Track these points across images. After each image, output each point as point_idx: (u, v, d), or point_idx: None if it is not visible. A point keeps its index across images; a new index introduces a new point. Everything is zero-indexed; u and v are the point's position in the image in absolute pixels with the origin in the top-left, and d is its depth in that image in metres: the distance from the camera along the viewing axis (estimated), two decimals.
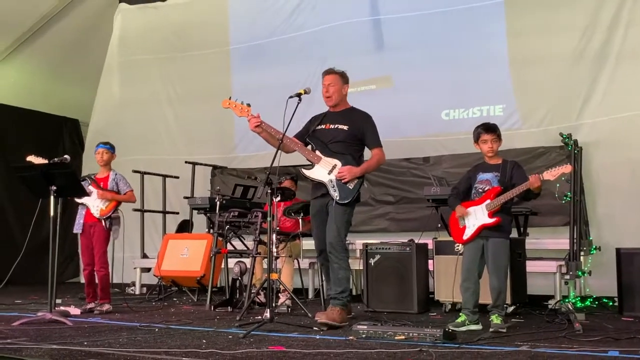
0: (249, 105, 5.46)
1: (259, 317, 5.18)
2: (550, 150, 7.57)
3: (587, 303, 6.50)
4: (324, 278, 6.00)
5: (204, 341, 4.36)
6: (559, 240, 7.04)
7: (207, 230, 8.27)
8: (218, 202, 7.02)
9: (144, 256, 9.05)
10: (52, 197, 5.52)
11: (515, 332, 4.85)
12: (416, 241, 6.37)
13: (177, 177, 9.63)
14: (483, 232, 4.97)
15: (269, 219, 5.28)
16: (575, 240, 6.38)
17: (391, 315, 5.84)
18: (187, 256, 7.64)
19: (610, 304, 6.53)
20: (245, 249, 7.06)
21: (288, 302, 6.21)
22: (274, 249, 5.38)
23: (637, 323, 5.42)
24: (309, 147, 5.45)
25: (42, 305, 6.45)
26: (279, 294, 6.24)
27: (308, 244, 6.77)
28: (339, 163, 5.29)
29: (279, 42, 9.64)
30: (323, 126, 5.50)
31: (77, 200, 6.32)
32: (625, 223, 7.11)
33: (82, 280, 6.80)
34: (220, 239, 6.94)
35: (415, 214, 8.04)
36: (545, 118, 7.83)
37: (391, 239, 6.72)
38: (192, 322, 5.53)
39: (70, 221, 6.46)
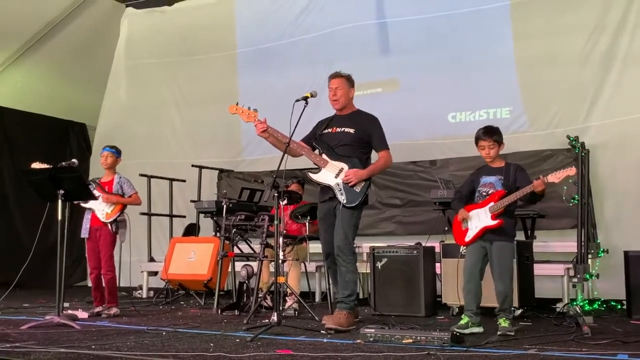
0: (255, 110, 5.45)
1: (266, 320, 5.17)
2: (558, 153, 7.55)
3: (595, 306, 6.47)
4: (331, 281, 5.99)
5: (212, 344, 4.36)
6: (567, 243, 7.01)
7: (214, 233, 8.27)
8: (225, 206, 7.02)
9: (151, 260, 9.07)
10: (59, 201, 5.53)
11: (523, 335, 4.83)
12: (423, 244, 6.36)
13: (184, 181, 9.65)
14: (487, 235, 4.95)
15: (275, 222, 5.29)
16: (582, 243, 6.36)
17: (398, 318, 5.82)
18: (194, 260, 7.65)
19: (619, 307, 6.50)
20: (252, 252, 7.06)
21: (295, 305, 6.22)
22: (281, 253, 5.38)
23: None
24: (316, 151, 5.46)
25: (50, 308, 6.48)
26: (286, 298, 6.24)
27: (315, 247, 6.76)
28: (345, 166, 5.29)
29: (285, 45, 9.65)
30: (329, 130, 5.50)
31: (83, 204, 6.34)
32: (633, 225, 7.08)
33: (90, 283, 6.81)
34: (227, 242, 6.95)
35: (422, 217, 8.03)
36: (552, 120, 7.81)
37: (398, 242, 6.71)
38: (200, 325, 5.53)
39: (77, 225, 6.47)
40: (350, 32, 9.13)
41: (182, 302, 7.72)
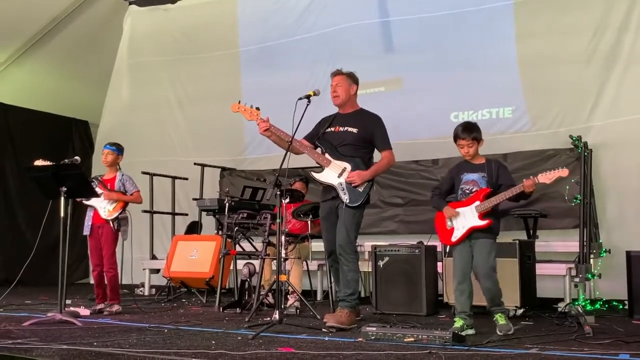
0: (258, 108, 5.45)
1: (268, 318, 5.18)
2: (560, 153, 7.54)
3: (597, 306, 6.46)
4: (333, 280, 6.00)
5: (213, 342, 4.37)
6: (569, 243, 7.00)
7: (216, 231, 8.28)
8: (227, 204, 7.03)
9: (153, 257, 9.08)
10: (62, 198, 5.54)
11: (525, 334, 4.83)
12: (425, 243, 6.36)
13: (186, 179, 9.66)
14: (472, 233, 4.89)
15: (278, 220, 5.29)
16: (585, 243, 6.34)
17: (400, 317, 5.84)
18: (196, 257, 7.66)
19: (621, 307, 6.49)
20: (254, 250, 7.07)
21: (297, 303, 6.22)
22: (283, 251, 5.39)
23: None
24: (318, 150, 5.45)
25: (52, 305, 6.47)
26: (288, 296, 6.25)
27: (317, 245, 6.78)
28: (348, 166, 5.29)
29: (288, 44, 9.65)
30: (332, 129, 5.49)
31: (85, 202, 6.35)
32: (635, 226, 7.07)
33: (92, 281, 6.82)
34: (229, 240, 6.96)
35: (424, 216, 8.01)
36: (554, 120, 7.80)
37: (400, 241, 6.71)
38: (201, 323, 5.54)
39: (80, 222, 6.49)
40: (352, 31, 9.12)
41: (184, 300, 7.73)
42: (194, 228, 8.86)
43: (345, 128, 5.44)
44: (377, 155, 5.55)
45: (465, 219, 4.91)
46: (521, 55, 8.04)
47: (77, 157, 5.96)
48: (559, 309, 6.04)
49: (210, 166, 9.67)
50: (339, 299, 5.38)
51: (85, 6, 10.56)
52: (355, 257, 5.33)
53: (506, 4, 8.17)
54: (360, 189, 5.26)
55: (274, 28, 9.82)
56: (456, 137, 5.04)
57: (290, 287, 6.04)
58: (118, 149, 6.56)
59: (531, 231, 7.01)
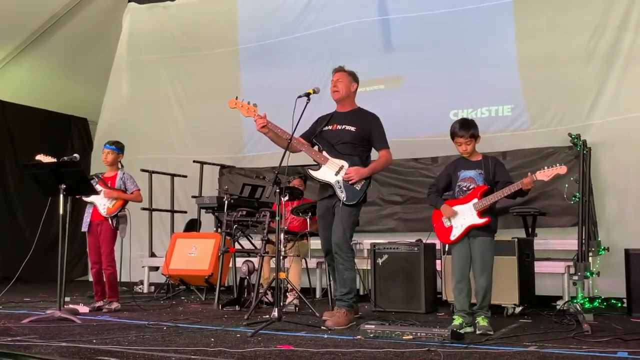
0: (255, 105, 5.45)
1: (267, 316, 5.19)
2: (559, 151, 7.55)
3: (596, 304, 6.48)
4: (331, 278, 6.00)
5: (212, 340, 4.37)
6: (567, 241, 7.02)
7: (215, 229, 8.28)
8: (226, 202, 7.04)
9: (152, 255, 9.08)
10: (61, 196, 5.54)
11: (523, 332, 4.84)
12: (424, 241, 6.36)
13: (185, 177, 9.66)
14: (471, 231, 4.88)
15: (277, 218, 5.29)
16: (583, 241, 6.37)
17: (399, 315, 5.84)
18: (195, 255, 7.66)
19: (619, 305, 6.50)
20: (253, 248, 7.07)
21: (296, 301, 6.23)
22: (282, 249, 5.39)
23: None
24: (316, 147, 5.45)
25: (51, 303, 6.47)
26: (287, 293, 6.26)
27: (316, 243, 6.76)
28: (346, 164, 5.29)
29: (287, 41, 9.65)
30: (330, 127, 5.49)
31: (85, 198, 6.35)
32: (634, 224, 7.08)
33: (91, 278, 6.83)
34: (228, 238, 6.97)
35: (423, 214, 8.00)
36: (554, 118, 7.80)
37: (399, 239, 6.71)
38: (200, 320, 5.54)
39: (79, 220, 6.49)
40: (352, 28, 9.12)
41: (182, 298, 7.74)
42: (193, 226, 8.85)
43: (343, 126, 5.43)
44: (374, 154, 5.54)
45: (464, 217, 4.90)
46: (521, 53, 8.04)
47: (76, 155, 5.94)
48: (558, 307, 6.05)
49: (209, 164, 9.67)
50: (336, 298, 5.38)
51: (84, 3, 10.56)
52: (351, 255, 5.32)
53: (505, 2, 8.18)
54: (358, 187, 5.26)
55: (274, 26, 9.82)
56: (453, 135, 5.02)
57: (289, 285, 6.05)
58: (118, 148, 6.55)
59: (530, 229, 7.02)
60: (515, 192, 4.79)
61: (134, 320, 5.51)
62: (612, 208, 7.34)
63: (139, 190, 6.56)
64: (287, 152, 5.22)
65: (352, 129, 5.41)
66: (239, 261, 6.97)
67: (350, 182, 5.23)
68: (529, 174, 4.78)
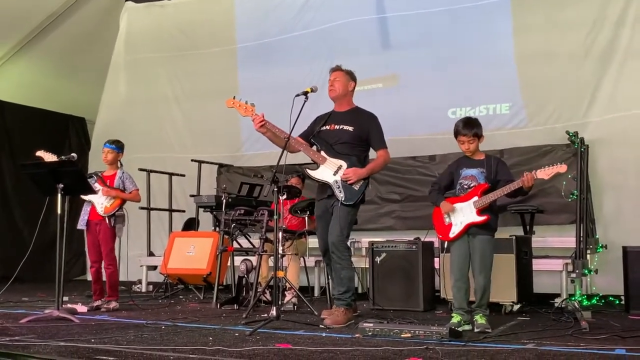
0: (253, 104, 5.44)
1: (265, 314, 5.19)
2: (557, 149, 7.56)
3: (594, 301, 6.49)
4: (330, 279, 5.99)
5: (211, 339, 4.37)
6: (565, 239, 7.03)
7: (213, 228, 8.28)
8: (224, 200, 7.03)
9: (151, 254, 9.08)
10: (59, 195, 5.54)
11: (521, 330, 4.84)
12: (422, 239, 6.37)
13: (184, 175, 9.66)
14: (471, 229, 4.88)
15: (275, 217, 5.29)
16: (581, 239, 6.37)
17: (397, 313, 5.85)
18: (194, 254, 7.65)
19: (617, 302, 6.52)
20: (252, 247, 7.07)
21: (294, 300, 6.23)
22: (280, 247, 5.39)
23: None
24: (314, 147, 5.44)
25: (50, 302, 6.47)
26: (285, 292, 6.26)
27: (314, 242, 6.76)
28: (344, 164, 5.29)
29: (285, 40, 9.64)
30: (328, 127, 5.48)
31: (83, 197, 6.34)
32: (631, 221, 7.09)
33: (89, 277, 6.83)
34: (226, 237, 6.96)
35: (422, 212, 8.01)
36: (551, 116, 7.81)
37: (397, 237, 6.73)
38: (199, 319, 5.54)
39: (77, 219, 6.48)
40: (350, 27, 9.12)
41: (181, 297, 7.74)
42: (191, 224, 8.85)
43: (341, 126, 5.43)
44: (372, 154, 5.55)
45: (463, 214, 4.90)
46: (518, 51, 8.05)
47: (73, 154, 5.94)
48: (556, 305, 6.06)
49: (207, 163, 9.67)
50: (334, 297, 5.38)
51: (81, 2, 10.55)
52: (347, 254, 5.32)
53: None
54: (356, 187, 5.26)
55: (271, 24, 9.82)
56: (457, 133, 5.01)
57: (287, 284, 6.05)
58: (118, 147, 6.54)
59: (528, 227, 7.03)
60: (515, 190, 4.79)
61: (133, 320, 5.50)
62: (609, 205, 7.35)
63: (137, 190, 6.56)
64: (285, 151, 5.21)
65: (350, 128, 5.40)
66: (237, 260, 6.97)
67: (348, 182, 5.24)
68: (528, 172, 4.76)
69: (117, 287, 6.45)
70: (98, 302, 6.33)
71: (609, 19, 7.53)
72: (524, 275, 6.12)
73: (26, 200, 10.00)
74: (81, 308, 6.13)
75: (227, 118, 9.41)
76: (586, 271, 6.35)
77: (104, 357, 3.67)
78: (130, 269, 8.64)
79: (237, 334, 4.58)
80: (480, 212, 4.83)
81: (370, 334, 4.46)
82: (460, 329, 4.68)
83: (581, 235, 6.38)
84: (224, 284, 7.82)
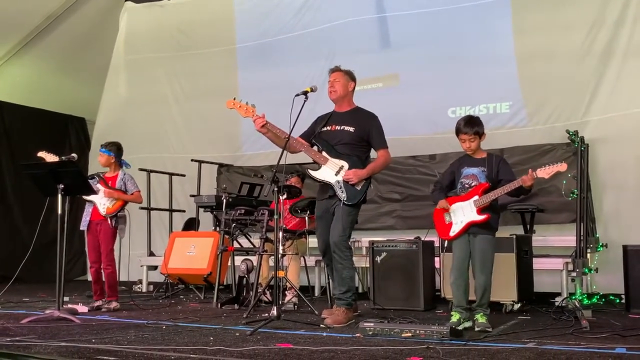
0: (253, 105, 5.45)
1: (266, 314, 5.19)
2: (557, 148, 7.56)
3: (594, 300, 6.49)
4: (331, 279, 5.99)
5: (212, 338, 4.37)
6: (566, 238, 7.03)
7: (213, 228, 8.28)
8: (224, 200, 7.04)
9: (151, 254, 9.08)
10: (59, 195, 5.54)
11: (522, 329, 4.85)
12: (423, 238, 6.37)
13: (184, 175, 9.66)
14: (471, 228, 4.87)
15: (275, 216, 5.29)
16: (581, 238, 6.37)
17: (398, 312, 5.84)
18: (194, 254, 7.66)
19: (618, 301, 6.51)
20: (252, 246, 7.07)
21: (295, 299, 6.23)
22: (281, 247, 5.39)
23: None
24: (315, 148, 5.44)
25: (50, 302, 6.49)
26: (286, 292, 6.26)
27: (314, 241, 6.76)
28: (345, 164, 5.30)
29: (285, 40, 9.65)
30: (329, 127, 5.49)
31: (85, 197, 6.35)
32: (632, 220, 7.09)
33: (89, 278, 6.83)
34: (226, 236, 6.96)
35: (422, 212, 8.02)
36: (551, 115, 7.81)
37: (398, 237, 6.72)
38: (200, 319, 5.54)
39: (77, 219, 6.49)
40: (350, 26, 9.12)
41: (181, 297, 7.74)
42: (191, 224, 8.85)
43: (342, 127, 5.44)
44: (373, 154, 5.55)
45: (464, 213, 4.89)
46: (518, 50, 8.05)
47: (74, 154, 5.96)
48: (556, 304, 6.07)
49: (207, 162, 9.66)
50: (335, 297, 5.38)
51: (81, 3, 10.54)
52: (349, 254, 5.33)
53: None
54: (358, 187, 5.27)
55: (271, 24, 9.82)
56: (458, 131, 5.00)
57: (288, 283, 6.05)
58: (109, 151, 6.50)
59: (528, 226, 7.02)
60: (516, 189, 4.78)
61: (133, 320, 5.50)
62: (610, 204, 7.35)
63: (139, 191, 6.57)
64: (285, 151, 5.22)
65: (351, 129, 5.41)
66: (238, 260, 6.97)
67: (350, 183, 5.25)
68: (530, 170, 4.75)
69: (117, 287, 6.45)
70: (99, 302, 6.33)
71: (609, 18, 7.53)
72: (525, 274, 6.12)
73: (26, 200, 10.01)
74: (82, 308, 6.13)
75: (227, 118, 9.40)
76: (586, 270, 6.35)
77: (105, 357, 3.67)
78: (131, 269, 8.65)
79: (237, 334, 4.59)
80: (480, 211, 4.83)
81: (370, 333, 4.46)
82: (460, 327, 4.68)
83: (581, 234, 6.38)
84: (225, 283, 7.82)
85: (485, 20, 8.30)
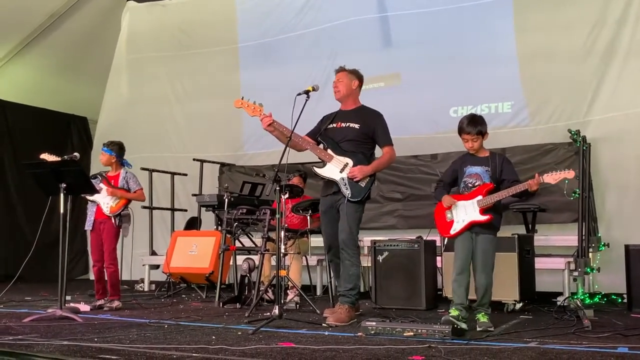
0: (261, 105, 5.48)
1: (268, 313, 5.19)
2: (559, 147, 7.56)
3: (596, 300, 6.49)
4: (332, 275, 6.01)
5: (214, 337, 4.38)
6: (568, 237, 7.02)
7: (215, 227, 8.29)
8: (226, 200, 7.04)
9: (153, 253, 9.09)
10: (61, 195, 5.55)
11: (523, 328, 4.85)
12: (424, 238, 6.37)
13: (186, 175, 9.67)
14: (473, 227, 4.86)
15: (277, 216, 5.30)
16: (583, 237, 6.36)
17: (399, 311, 5.85)
18: (196, 253, 7.67)
19: (620, 300, 6.51)
20: (254, 246, 7.08)
21: (296, 298, 6.23)
22: (282, 246, 5.40)
23: None
24: (321, 145, 5.48)
25: (52, 302, 6.50)
26: (288, 291, 6.26)
27: (316, 241, 6.79)
28: (350, 161, 5.33)
29: (287, 39, 9.65)
30: (334, 125, 5.54)
31: (88, 197, 6.37)
32: (634, 219, 7.08)
33: (92, 277, 6.84)
34: (228, 236, 6.97)
35: (424, 211, 8.03)
36: (553, 114, 7.81)
37: (399, 236, 6.73)
38: (202, 318, 5.55)
39: (79, 218, 6.50)
40: (352, 26, 9.12)
41: (183, 296, 7.75)
42: (193, 224, 8.86)
43: (347, 124, 5.47)
44: (378, 151, 5.56)
45: (466, 212, 4.88)
46: (520, 50, 8.05)
47: (76, 154, 5.96)
48: (558, 303, 6.07)
49: (209, 162, 9.67)
50: (339, 294, 5.39)
51: (83, 2, 10.55)
52: (357, 252, 5.37)
53: None
54: (362, 184, 5.29)
55: (273, 24, 9.82)
56: (461, 131, 4.97)
57: (289, 282, 6.06)
58: (110, 150, 6.51)
59: (530, 225, 7.02)
60: (520, 192, 4.77)
61: (135, 319, 5.51)
62: (612, 204, 7.35)
63: (141, 189, 6.58)
64: (287, 150, 5.23)
65: (356, 126, 5.44)
66: (240, 259, 6.97)
67: (354, 180, 5.27)
68: (536, 174, 4.73)
69: (119, 286, 6.47)
70: (101, 301, 6.34)
71: (611, 17, 7.52)
72: (526, 273, 6.12)
73: (28, 199, 10.01)
74: (84, 307, 6.13)
75: (229, 117, 9.43)
76: (588, 269, 6.35)
77: (107, 356, 3.67)
78: (133, 268, 8.67)
79: (239, 333, 4.59)
80: (483, 211, 4.82)
81: (372, 332, 4.47)
82: (457, 324, 4.62)
83: (583, 233, 6.38)
84: (227, 283, 7.83)
85: (487, 20, 8.30)
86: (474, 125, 4.93)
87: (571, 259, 6.43)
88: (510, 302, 5.95)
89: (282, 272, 5.32)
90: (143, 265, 8.84)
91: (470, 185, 4.94)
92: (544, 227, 7.29)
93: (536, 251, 6.50)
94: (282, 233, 5.37)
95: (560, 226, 7.43)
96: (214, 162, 9.76)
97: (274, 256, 5.69)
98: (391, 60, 8.90)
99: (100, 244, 6.35)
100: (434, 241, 6.48)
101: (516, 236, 6.02)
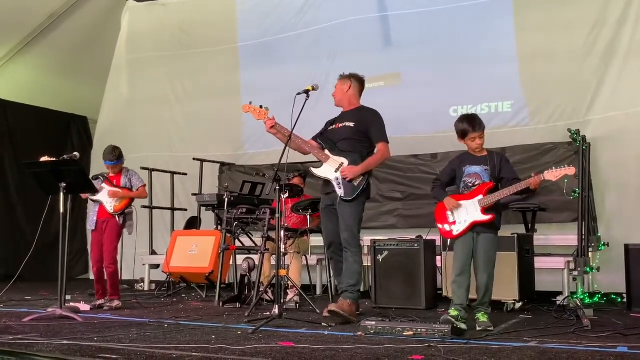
0: (267, 108, 5.55)
1: (268, 313, 5.19)
2: (559, 147, 7.56)
3: (596, 299, 6.49)
4: (332, 273, 6.03)
5: (214, 337, 4.38)
6: (567, 237, 7.02)
7: (215, 226, 8.29)
8: (226, 199, 7.04)
9: (153, 253, 9.09)
10: (61, 194, 5.55)
11: (523, 328, 4.85)
12: (424, 237, 6.37)
13: (186, 174, 9.67)
14: (475, 227, 4.85)
15: (277, 215, 5.31)
16: (583, 237, 6.36)
17: (399, 311, 5.85)
18: (196, 253, 7.67)
19: (619, 300, 6.52)
20: (254, 245, 7.08)
21: (296, 298, 6.24)
22: (282, 246, 5.40)
23: None
24: (320, 147, 5.53)
25: (52, 301, 6.50)
26: (287, 290, 6.27)
27: (316, 240, 6.79)
28: (345, 161, 5.38)
29: (287, 39, 9.65)
30: (334, 126, 5.63)
31: (91, 198, 6.38)
32: (633, 219, 7.08)
33: (92, 276, 6.84)
34: (228, 235, 6.97)
35: (423, 211, 8.03)
36: (553, 114, 7.81)
37: (399, 236, 6.72)
38: (201, 318, 5.55)
39: (79, 218, 6.51)
40: (352, 25, 9.12)
41: (183, 295, 7.75)
42: (193, 223, 8.86)
43: (344, 123, 5.55)
44: None
45: (468, 212, 4.86)
46: (520, 49, 8.05)
47: (76, 153, 5.98)
48: (558, 303, 6.06)
49: (209, 161, 9.67)
50: (341, 290, 5.40)
51: (83, 2, 10.55)
52: (359, 250, 5.43)
53: None
54: (355, 183, 5.34)
55: (273, 23, 9.82)
56: (466, 133, 4.92)
57: (289, 282, 6.06)
58: (117, 160, 6.50)
59: (530, 225, 7.02)
60: (521, 190, 4.76)
61: (135, 318, 5.52)
62: (611, 203, 7.35)
63: (144, 186, 6.62)
64: (287, 149, 5.25)
65: (351, 124, 5.50)
66: (240, 258, 6.98)
67: (346, 179, 5.31)
68: (536, 173, 4.72)
69: (119, 286, 6.48)
70: (101, 301, 6.35)
71: (611, 17, 7.52)
72: (526, 273, 6.12)
73: (28, 199, 10.01)
74: (84, 307, 6.14)
75: (229, 117, 9.44)
76: (588, 269, 6.34)
77: (107, 356, 3.68)
78: (133, 268, 8.65)
79: (239, 332, 4.60)
80: (485, 210, 4.82)
81: (372, 332, 4.47)
82: (457, 324, 4.61)
83: (583, 233, 6.37)
84: (226, 282, 7.83)
85: (487, 19, 8.30)
86: (478, 124, 4.91)
87: (571, 259, 6.42)
88: (509, 301, 5.95)
89: (282, 272, 5.32)
90: (143, 264, 8.84)
91: (470, 184, 4.92)
92: (544, 227, 7.29)
93: (536, 251, 6.50)
94: (282, 232, 5.38)
95: (560, 226, 7.43)
96: (214, 162, 9.76)
97: (274, 256, 5.70)
98: (391, 59, 8.90)
99: (101, 243, 6.36)
100: (434, 241, 6.48)
101: (516, 235, 6.02)
